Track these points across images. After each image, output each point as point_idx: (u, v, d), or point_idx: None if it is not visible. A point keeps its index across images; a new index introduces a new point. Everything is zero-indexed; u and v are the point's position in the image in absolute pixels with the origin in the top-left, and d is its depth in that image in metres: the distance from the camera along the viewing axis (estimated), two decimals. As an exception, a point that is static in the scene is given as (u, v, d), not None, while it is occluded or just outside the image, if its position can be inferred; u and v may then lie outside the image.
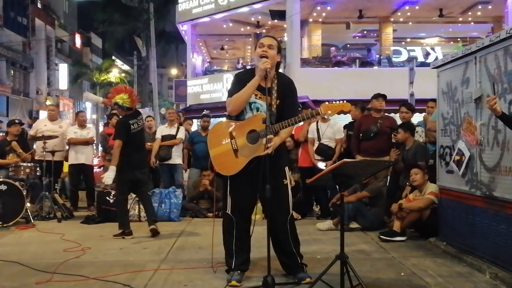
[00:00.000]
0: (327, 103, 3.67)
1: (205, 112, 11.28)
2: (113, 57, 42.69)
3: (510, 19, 15.88)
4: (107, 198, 7.29)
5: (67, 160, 8.53)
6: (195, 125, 14.35)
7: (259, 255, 4.26)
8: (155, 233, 5.97)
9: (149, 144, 8.52)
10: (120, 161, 5.91)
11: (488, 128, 4.34)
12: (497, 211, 4.20)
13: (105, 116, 27.48)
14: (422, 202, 5.61)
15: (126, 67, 50.05)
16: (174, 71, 37.75)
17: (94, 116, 38.17)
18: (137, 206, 7.26)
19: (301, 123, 8.18)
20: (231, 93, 3.88)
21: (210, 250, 5.07)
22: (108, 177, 5.86)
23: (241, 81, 3.86)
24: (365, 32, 21.07)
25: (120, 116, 6.22)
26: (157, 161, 8.29)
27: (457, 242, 4.94)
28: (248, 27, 20.42)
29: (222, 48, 24.43)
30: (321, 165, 7.16)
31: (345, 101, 3.65)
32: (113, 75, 36.99)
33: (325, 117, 3.33)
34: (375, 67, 17.30)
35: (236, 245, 3.91)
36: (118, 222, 6.07)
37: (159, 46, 26.56)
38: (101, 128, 25.27)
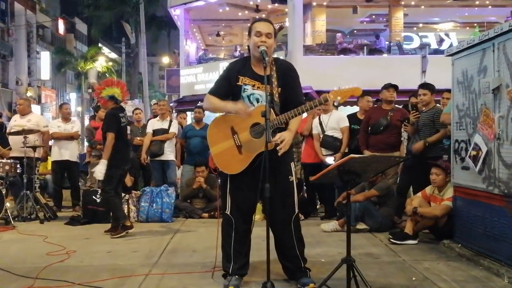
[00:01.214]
0: (335, 88, 3.65)
1: (199, 104, 11.27)
2: (100, 45, 42.61)
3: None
4: (93, 197, 7.29)
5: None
6: (189, 119, 14.34)
7: (259, 258, 4.27)
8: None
9: (138, 139, 8.53)
10: (112, 156, 6.11)
11: (507, 121, 4.34)
12: (517, 211, 4.20)
13: (91, 109, 27.48)
14: (439, 210, 5.54)
15: (113, 55, 49.99)
16: (165, 60, 37.72)
17: (79, 109, 38.16)
18: (125, 206, 7.27)
19: (305, 115, 8.25)
20: (214, 88, 3.91)
21: (205, 253, 5.11)
22: (100, 171, 6.03)
23: (229, 75, 3.86)
24: (373, 16, 21.04)
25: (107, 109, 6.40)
26: (148, 157, 8.28)
27: (473, 244, 4.94)
28: (246, 12, 20.38)
29: (218, 35, 24.39)
30: (330, 160, 7.16)
31: (355, 85, 3.64)
32: (100, 64, 36.94)
33: (335, 104, 3.30)
34: (385, 55, 17.29)
35: (235, 248, 3.90)
36: (115, 218, 6.20)
37: (150, 33, 26.50)
38: (86, 122, 25.28)
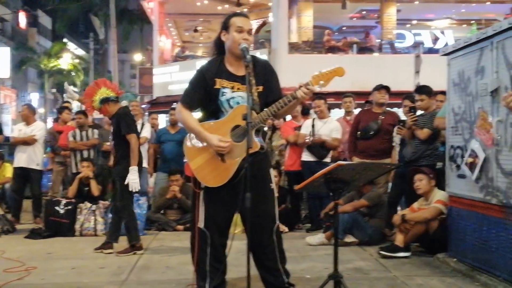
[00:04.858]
0: (316, 73, 3.62)
1: (174, 105, 11.24)
2: (65, 40, 42.28)
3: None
4: (56, 208, 7.22)
5: None
6: (162, 121, 14.28)
7: (238, 274, 4.26)
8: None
9: (108, 144, 8.46)
10: (129, 161, 5.90)
11: (506, 126, 4.40)
12: (516, 222, 4.26)
13: (54, 110, 27.20)
14: (428, 212, 5.66)
15: (80, 51, 49.61)
16: (138, 57, 37.53)
17: (42, 110, 37.75)
18: (92, 218, 7.22)
19: (289, 118, 8.27)
20: (187, 98, 3.83)
21: (179, 269, 5.09)
22: (134, 181, 5.83)
23: (204, 79, 3.81)
24: (364, 12, 21.20)
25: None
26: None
27: (470, 258, 4.99)
28: (227, 6, 20.40)
29: (196, 30, 24.36)
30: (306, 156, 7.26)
31: (337, 66, 3.62)
32: (65, 61, 36.63)
33: (318, 88, 3.29)
34: (376, 54, 17.44)
35: (211, 265, 3.88)
36: (131, 236, 6.04)
37: (120, 27, 26.37)
38: (50, 124, 25.02)
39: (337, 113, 9.76)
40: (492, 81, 4.60)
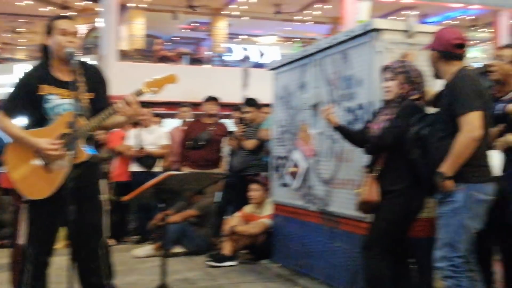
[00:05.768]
0: (148, 80, 3.57)
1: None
2: None
3: (348, 21, 17.63)
4: None
5: None
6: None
7: (60, 292, 4.04)
8: None
9: None
10: None
11: (324, 137, 4.74)
12: (332, 228, 4.60)
13: None
14: (257, 227, 5.85)
15: None
16: None
17: None
18: None
19: (118, 129, 8.08)
20: (8, 105, 3.56)
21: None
22: None
23: (27, 85, 3.58)
24: (195, 24, 21.55)
25: None
26: None
27: (292, 263, 5.29)
28: (51, 7, 19.43)
29: (16, 31, 22.87)
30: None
31: (169, 73, 3.60)
32: None
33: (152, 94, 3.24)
34: (206, 66, 17.81)
35: (32, 285, 3.62)
36: None
37: None
38: None
39: (169, 123, 9.77)
40: (312, 95, 4.94)
